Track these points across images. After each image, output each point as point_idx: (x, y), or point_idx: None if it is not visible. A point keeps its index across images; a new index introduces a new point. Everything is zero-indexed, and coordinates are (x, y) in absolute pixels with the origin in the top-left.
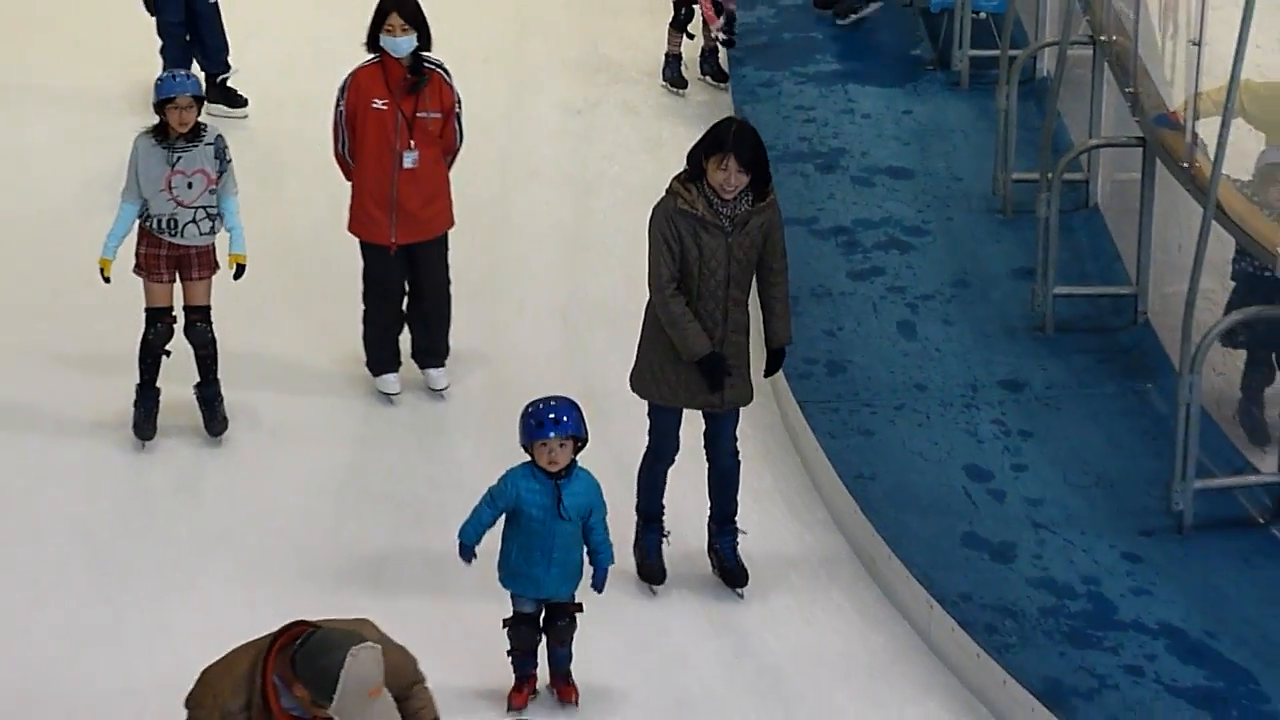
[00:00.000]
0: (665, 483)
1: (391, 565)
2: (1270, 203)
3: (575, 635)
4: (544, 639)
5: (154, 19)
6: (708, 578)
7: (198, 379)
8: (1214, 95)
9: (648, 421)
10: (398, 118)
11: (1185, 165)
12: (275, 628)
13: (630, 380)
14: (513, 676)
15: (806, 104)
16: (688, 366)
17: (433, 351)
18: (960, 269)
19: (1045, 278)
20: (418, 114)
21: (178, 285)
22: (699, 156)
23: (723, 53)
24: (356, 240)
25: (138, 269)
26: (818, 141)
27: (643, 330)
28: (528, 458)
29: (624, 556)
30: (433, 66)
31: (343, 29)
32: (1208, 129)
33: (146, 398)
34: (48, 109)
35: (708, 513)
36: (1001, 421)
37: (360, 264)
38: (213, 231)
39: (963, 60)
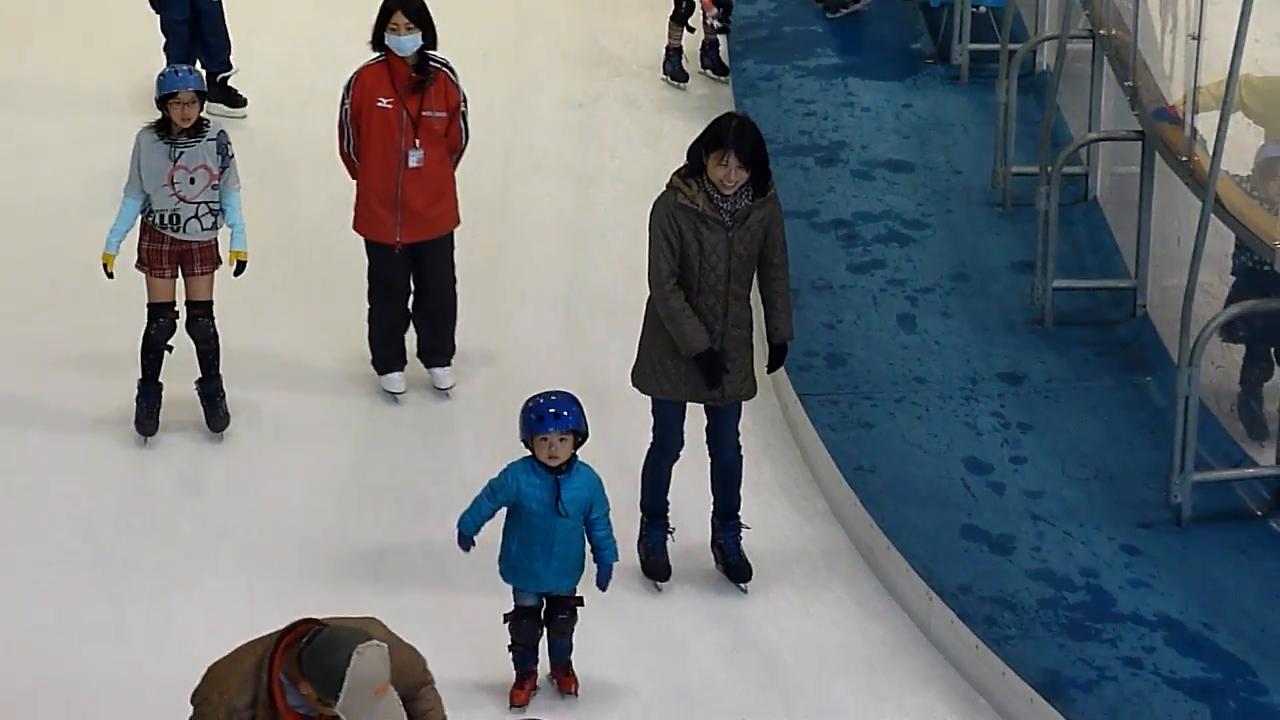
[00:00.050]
0: (670, 479)
1: (393, 560)
2: (1270, 197)
3: (577, 629)
4: (544, 632)
5: (158, 16)
6: (710, 573)
7: (199, 374)
8: (1213, 89)
9: (651, 418)
10: (403, 116)
11: (1184, 159)
12: (277, 622)
13: (632, 376)
14: (513, 672)
15: (807, 97)
16: (689, 360)
17: (438, 351)
18: (960, 262)
19: (1044, 271)
20: (423, 113)
21: (180, 281)
22: (699, 152)
23: (723, 46)
24: (360, 237)
25: (140, 264)
26: (818, 135)
27: (644, 326)
28: (529, 452)
29: (627, 553)
30: (438, 65)
31: (344, 27)
32: (1206, 123)
33: (148, 393)
34: (52, 106)
35: (710, 508)
36: (1001, 414)
37: (365, 261)
38: (215, 227)
39: (962, 54)
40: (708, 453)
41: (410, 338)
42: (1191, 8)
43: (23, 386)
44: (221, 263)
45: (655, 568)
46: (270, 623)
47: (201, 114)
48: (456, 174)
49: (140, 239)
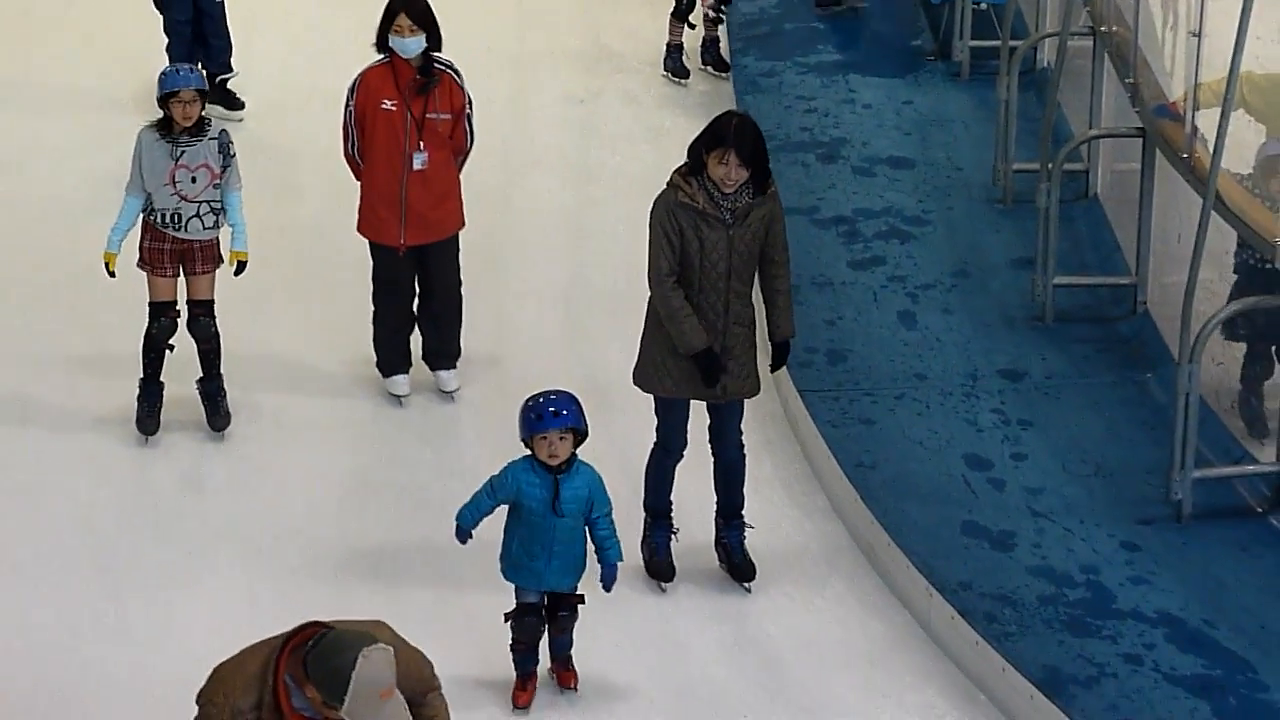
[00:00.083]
0: (673, 479)
1: (394, 558)
2: (1271, 194)
3: (579, 627)
4: (546, 629)
5: (161, 17)
6: (713, 572)
7: (200, 374)
8: (1214, 86)
9: (653, 417)
10: (407, 119)
11: (1185, 156)
12: (278, 621)
13: (634, 375)
14: (514, 672)
15: (808, 94)
16: (690, 358)
17: (443, 353)
18: (960, 259)
19: (1045, 268)
20: (427, 115)
21: (181, 280)
22: (699, 150)
23: (724, 42)
24: (362, 236)
25: (141, 263)
26: (819, 131)
27: (645, 324)
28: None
29: (630, 552)
30: (443, 67)
31: (345, 27)
32: (1207, 120)
33: (150, 392)
34: (53, 106)
35: (714, 507)
36: (1001, 411)
37: (367, 260)
38: (216, 226)
39: (963, 51)
40: (710, 452)
41: (416, 340)
42: (1192, 5)
43: (24, 386)
44: (223, 262)
45: (659, 568)
46: (271, 621)
47: (202, 113)
48: None
49: (141, 238)
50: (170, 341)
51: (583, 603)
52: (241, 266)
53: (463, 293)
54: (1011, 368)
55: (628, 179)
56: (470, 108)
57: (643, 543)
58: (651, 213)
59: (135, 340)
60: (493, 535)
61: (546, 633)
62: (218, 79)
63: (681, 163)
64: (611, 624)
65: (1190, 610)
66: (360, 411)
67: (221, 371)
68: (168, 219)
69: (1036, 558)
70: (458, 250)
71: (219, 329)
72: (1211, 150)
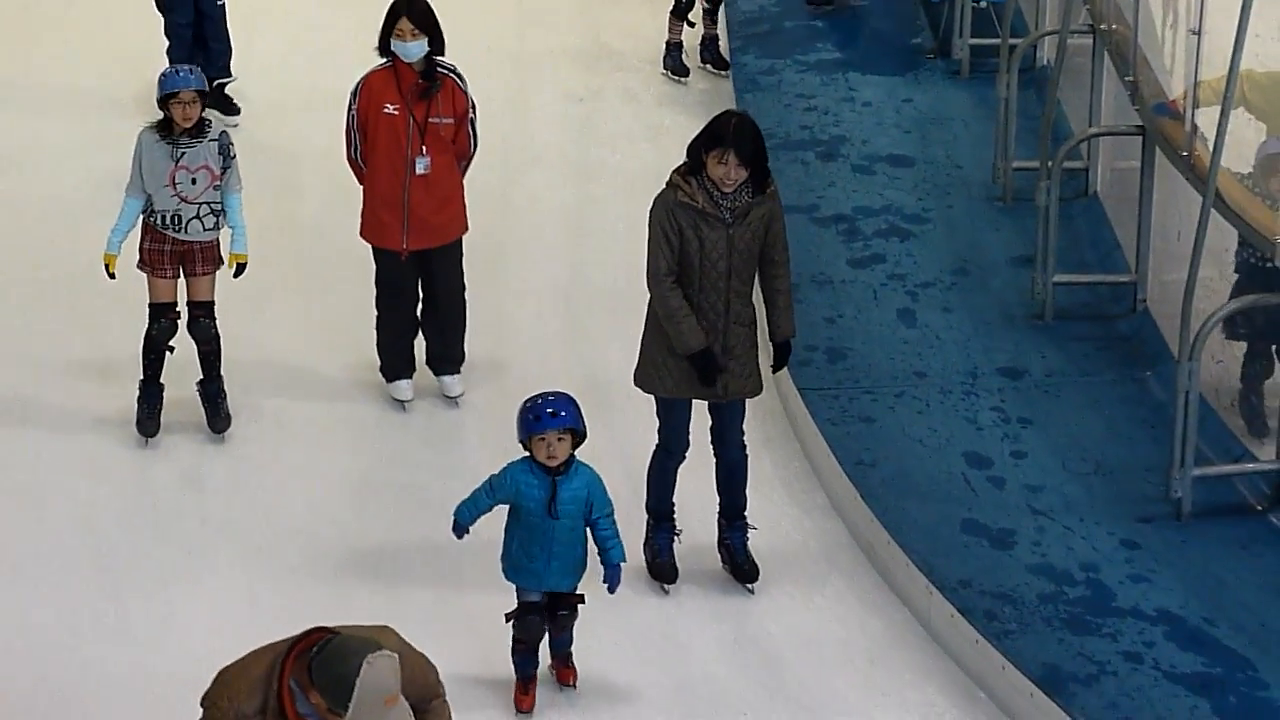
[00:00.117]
0: (675, 481)
1: (395, 558)
2: (1271, 193)
3: (580, 626)
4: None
5: (162, 19)
6: (716, 573)
7: (201, 375)
8: (1215, 84)
9: (654, 418)
10: (409, 123)
11: (1184, 154)
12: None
13: (635, 376)
14: (514, 674)
15: (807, 92)
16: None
17: (447, 358)
18: (960, 257)
19: (1045, 265)
20: (430, 119)
21: (181, 281)
22: (698, 150)
23: (723, 40)
24: (365, 241)
25: (141, 264)
26: (819, 129)
27: (645, 325)
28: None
29: (631, 553)
30: (446, 71)
31: (345, 27)
32: (1207, 118)
33: (150, 394)
34: (54, 107)
35: (716, 508)
36: (1001, 409)
37: (368, 261)
38: (217, 227)
39: (963, 49)
40: (712, 453)
41: (420, 345)
42: (1192, 2)
43: (24, 387)
44: (223, 263)
45: (662, 570)
46: (271, 620)
47: (203, 114)
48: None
49: (142, 239)
50: (170, 343)
51: (583, 602)
52: (241, 269)
53: (466, 298)
54: (1011, 366)
55: (627, 177)
56: (474, 112)
57: (645, 544)
58: (651, 212)
59: (135, 342)
60: (494, 535)
61: (547, 632)
62: (215, 83)
63: (681, 162)
64: (613, 624)
65: (1190, 608)
66: (360, 411)
67: (222, 373)
68: (168, 220)
69: (1036, 556)
70: (461, 255)
71: (219, 330)
72: (1211, 148)
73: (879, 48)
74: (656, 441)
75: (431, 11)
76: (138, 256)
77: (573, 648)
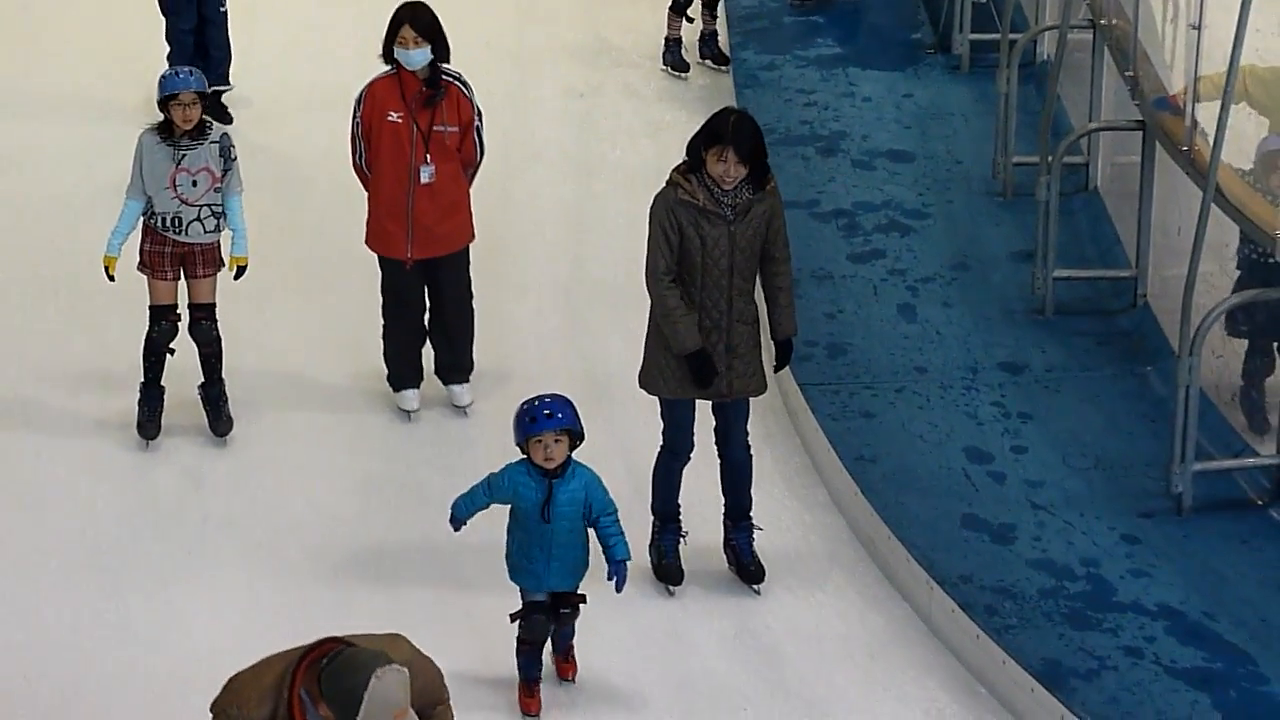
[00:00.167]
0: (680, 482)
1: (395, 558)
2: (1271, 189)
3: (582, 624)
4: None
5: (164, 22)
6: (721, 573)
7: (202, 378)
8: (1215, 79)
9: (658, 419)
10: (413, 131)
11: (1185, 149)
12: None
13: (639, 378)
14: (517, 675)
15: (807, 87)
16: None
17: (456, 367)
18: (960, 252)
19: (1045, 261)
20: (434, 128)
21: (182, 283)
22: (698, 148)
23: (723, 36)
24: (370, 250)
25: (142, 266)
26: (818, 125)
27: (649, 327)
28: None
29: (636, 552)
30: (451, 79)
31: (345, 27)
32: (1207, 113)
33: (150, 397)
34: (54, 109)
35: (722, 508)
36: (1001, 404)
37: (371, 263)
38: (217, 229)
39: (963, 44)
40: (717, 453)
41: (428, 353)
42: None
43: (25, 389)
44: (224, 266)
45: (668, 571)
46: (271, 620)
47: (203, 116)
48: None
49: (142, 241)
50: (171, 345)
51: (584, 602)
52: (241, 271)
53: (474, 306)
54: (1011, 361)
55: (628, 173)
56: (479, 119)
57: (651, 546)
58: (651, 210)
59: (136, 344)
60: (495, 535)
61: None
62: (212, 90)
63: (681, 160)
64: (616, 622)
65: (1191, 603)
66: (360, 410)
67: (223, 376)
68: (168, 222)
69: (1037, 551)
70: (468, 264)
71: (220, 333)
72: (1212, 143)
73: (879, 43)
74: (660, 441)
75: (436, 19)
76: (138, 258)
77: (574, 645)
